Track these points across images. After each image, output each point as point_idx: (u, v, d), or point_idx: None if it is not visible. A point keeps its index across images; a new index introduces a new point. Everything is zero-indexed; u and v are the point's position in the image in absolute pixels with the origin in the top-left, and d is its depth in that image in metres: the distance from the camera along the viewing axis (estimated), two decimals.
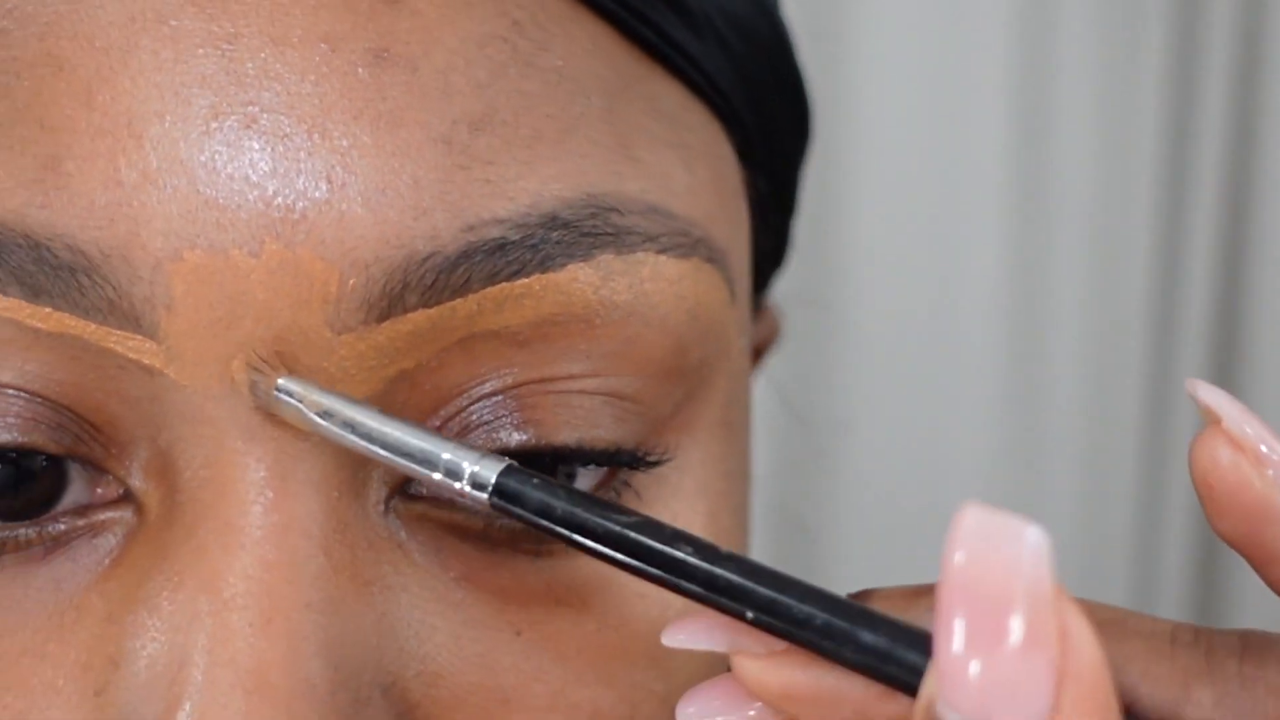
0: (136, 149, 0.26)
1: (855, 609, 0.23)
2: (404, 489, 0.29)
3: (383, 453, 0.27)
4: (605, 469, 0.31)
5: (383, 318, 0.27)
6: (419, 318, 0.27)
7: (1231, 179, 1.35)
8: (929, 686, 0.21)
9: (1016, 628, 0.20)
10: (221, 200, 0.26)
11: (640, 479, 0.31)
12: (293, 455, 0.27)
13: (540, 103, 0.28)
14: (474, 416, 0.29)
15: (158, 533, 0.28)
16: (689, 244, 0.31)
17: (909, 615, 0.24)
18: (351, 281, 0.27)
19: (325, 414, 0.27)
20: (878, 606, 0.24)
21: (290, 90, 0.26)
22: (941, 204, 1.31)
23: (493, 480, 0.26)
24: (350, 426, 0.27)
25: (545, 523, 0.26)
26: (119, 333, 0.27)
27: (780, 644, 0.25)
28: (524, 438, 0.29)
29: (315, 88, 0.27)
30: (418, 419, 0.29)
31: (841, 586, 0.26)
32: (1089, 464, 1.35)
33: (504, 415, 0.29)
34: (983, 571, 0.20)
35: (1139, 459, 1.38)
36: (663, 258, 0.30)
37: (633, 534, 0.25)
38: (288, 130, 0.26)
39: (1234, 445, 0.23)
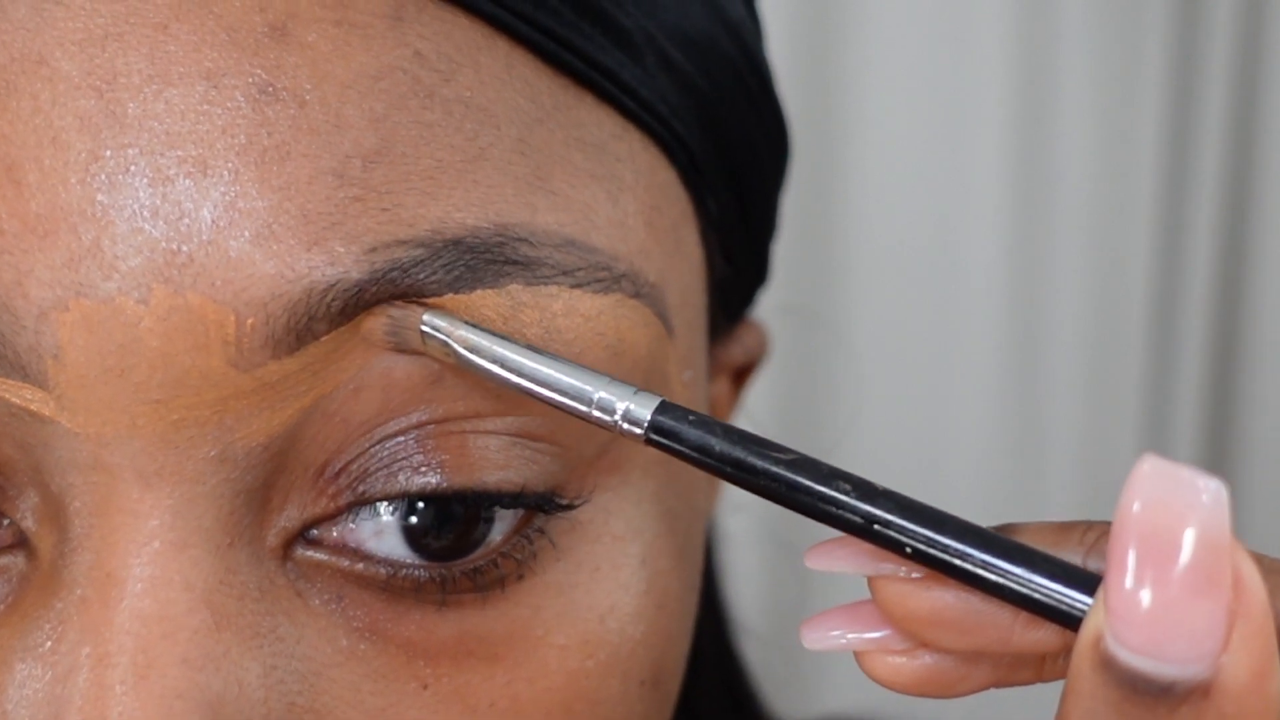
0: (16, 195, 0.25)
1: (1011, 545, 0.24)
2: (305, 535, 0.29)
3: (533, 388, 0.27)
4: (521, 512, 0.29)
5: (292, 350, 0.26)
6: (332, 336, 0.27)
7: (1231, 179, 1.36)
8: (1095, 621, 0.22)
9: (1193, 571, 0.21)
10: (105, 246, 0.25)
11: (556, 524, 0.30)
12: (189, 501, 0.26)
13: (443, 133, 0.28)
14: (377, 459, 0.28)
15: (48, 579, 0.27)
16: (610, 279, 0.30)
17: (1057, 551, 0.25)
18: (250, 321, 0.26)
19: (473, 349, 0.27)
20: (1025, 541, 0.25)
21: (170, 130, 0.26)
22: (941, 208, 1.31)
23: (648, 417, 0.26)
24: (499, 362, 0.27)
25: (704, 458, 0.26)
26: (6, 381, 0.26)
27: (919, 571, 0.25)
28: (427, 481, 0.28)
29: (195, 126, 0.26)
30: (321, 456, 0.28)
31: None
32: (1089, 469, 1.36)
33: (404, 458, 0.28)
34: (1161, 516, 0.21)
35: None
36: (578, 292, 0.29)
37: (790, 473, 0.25)
38: (170, 172, 0.26)
39: None
